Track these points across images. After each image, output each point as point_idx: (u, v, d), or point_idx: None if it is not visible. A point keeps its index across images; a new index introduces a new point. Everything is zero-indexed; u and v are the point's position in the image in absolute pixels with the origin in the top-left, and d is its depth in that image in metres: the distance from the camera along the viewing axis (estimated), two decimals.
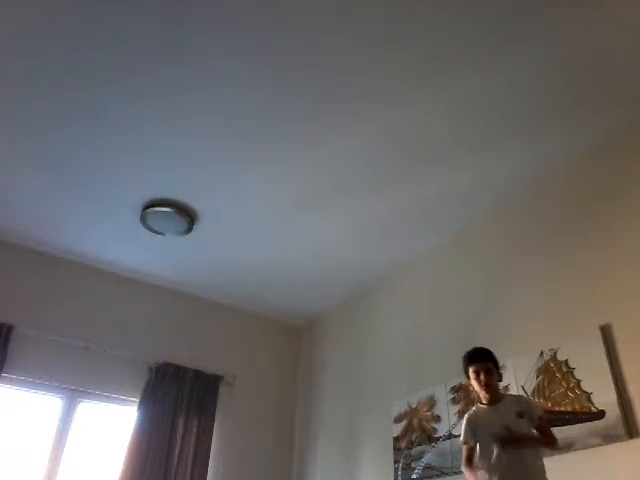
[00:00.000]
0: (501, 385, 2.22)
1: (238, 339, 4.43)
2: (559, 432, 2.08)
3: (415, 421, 3.26)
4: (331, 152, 2.94)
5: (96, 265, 3.96)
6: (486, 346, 2.19)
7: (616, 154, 2.74)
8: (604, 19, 2.23)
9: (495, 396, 2.06)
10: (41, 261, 3.78)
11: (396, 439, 3.34)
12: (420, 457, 3.13)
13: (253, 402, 4.26)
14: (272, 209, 3.38)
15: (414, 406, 3.31)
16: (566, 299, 2.69)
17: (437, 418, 3.12)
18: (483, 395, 2.08)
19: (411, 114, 2.69)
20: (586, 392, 2.42)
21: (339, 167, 3.04)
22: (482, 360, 2.09)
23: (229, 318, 4.47)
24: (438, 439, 3.07)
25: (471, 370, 2.09)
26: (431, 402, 3.20)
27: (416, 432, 3.23)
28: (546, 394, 2.57)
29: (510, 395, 2.19)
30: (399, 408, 3.40)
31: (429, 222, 3.45)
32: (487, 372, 2.06)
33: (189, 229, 3.51)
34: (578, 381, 2.47)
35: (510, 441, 1.93)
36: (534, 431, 2.00)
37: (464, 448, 2.11)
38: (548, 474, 1.96)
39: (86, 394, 3.68)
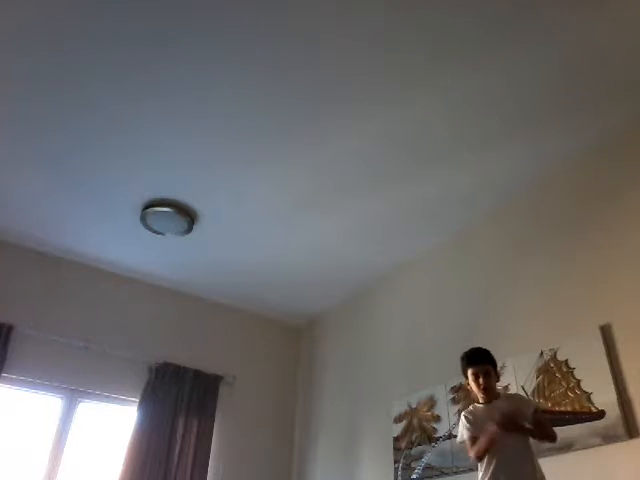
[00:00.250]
0: (501, 385, 2.23)
1: (238, 339, 4.43)
2: (559, 432, 2.07)
3: (415, 421, 3.26)
4: (331, 152, 2.94)
5: (96, 265, 3.97)
6: (486, 346, 2.19)
7: (616, 154, 2.74)
8: (604, 19, 2.23)
9: (491, 396, 2.07)
10: (41, 261, 3.78)
11: (396, 439, 3.34)
12: (420, 457, 3.13)
13: (253, 402, 4.26)
14: (272, 209, 3.38)
15: (414, 406, 3.31)
16: (566, 299, 2.69)
17: (437, 418, 3.12)
18: (480, 397, 2.09)
19: (411, 114, 2.69)
20: (586, 392, 2.42)
21: (339, 167, 3.04)
22: (481, 363, 2.09)
23: (229, 318, 4.47)
24: (438, 439, 3.07)
25: (470, 372, 2.09)
26: (431, 402, 3.20)
27: (416, 432, 3.23)
28: (546, 394, 2.57)
29: (505, 394, 2.19)
30: (399, 408, 3.40)
31: (429, 222, 3.45)
32: (486, 375, 2.06)
33: (189, 229, 3.51)
34: (578, 381, 2.47)
35: (510, 424, 1.93)
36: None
37: (467, 444, 2.09)
38: (548, 474, 1.96)
39: (86, 394, 3.68)
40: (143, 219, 3.42)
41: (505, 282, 3.07)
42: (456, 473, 2.89)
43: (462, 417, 2.12)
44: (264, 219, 3.48)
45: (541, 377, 2.63)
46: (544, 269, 2.87)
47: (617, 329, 2.43)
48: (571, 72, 2.45)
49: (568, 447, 2.31)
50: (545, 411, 2.13)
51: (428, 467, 3.06)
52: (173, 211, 3.34)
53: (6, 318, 3.44)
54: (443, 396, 3.13)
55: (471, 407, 2.14)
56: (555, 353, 2.61)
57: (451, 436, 2.99)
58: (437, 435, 3.09)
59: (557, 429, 2.05)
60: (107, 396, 3.75)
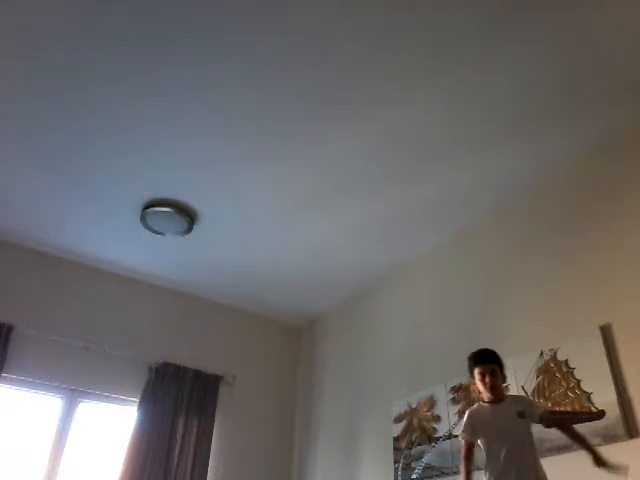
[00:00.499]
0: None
1: (238, 339, 4.43)
2: (559, 432, 2.08)
3: (415, 421, 3.26)
4: (331, 152, 2.94)
5: (96, 265, 3.97)
6: (486, 346, 2.19)
7: (616, 154, 2.74)
8: (604, 19, 2.23)
9: (498, 396, 2.07)
10: (41, 261, 3.78)
11: (396, 439, 3.35)
12: (420, 457, 3.13)
13: (253, 402, 4.26)
14: (272, 209, 3.38)
15: (414, 406, 3.31)
16: (566, 299, 2.69)
17: (437, 418, 3.13)
18: (487, 396, 2.09)
19: (411, 114, 2.69)
20: (586, 392, 2.42)
21: (339, 167, 3.04)
22: (488, 362, 2.10)
23: (229, 318, 4.47)
24: (438, 439, 3.07)
25: (476, 371, 2.10)
26: (431, 402, 3.20)
27: (416, 432, 3.23)
28: (546, 394, 2.57)
29: (512, 395, 2.19)
30: (399, 408, 3.40)
31: (429, 222, 3.46)
32: (492, 374, 2.07)
33: (189, 229, 3.51)
34: (578, 381, 2.47)
35: (554, 421, 1.96)
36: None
37: (463, 442, 2.11)
38: (548, 474, 1.96)
39: (86, 394, 3.68)
40: (143, 219, 3.42)
41: (505, 282, 3.07)
42: (456, 473, 2.88)
43: (466, 415, 2.13)
44: (264, 219, 3.48)
45: (541, 377, 2.63)
46: (544, 269, 2.87)
47: (617, 329, 2.43)
48: (571, 72, 2.45)
49: (568, 447, 2.30)
50: (545, 411, 2.13)
51: (428, 467, 3.06)
52: (173, 211, 3.34)
53: (6, 318, 3.44)
54: (443, 396, 3.13)
55: (476, 406, 2.14)
56: (555, 353, 2.61)
57: (451, 436, 2.99)
58: (437, 435, 3.09)
59: (557, 430, 2.04)
60: (107, 396, 3.75)
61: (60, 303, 3.75)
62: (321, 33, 2.29)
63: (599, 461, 1.93)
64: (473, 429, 2.07)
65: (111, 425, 3.77)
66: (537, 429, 2.08)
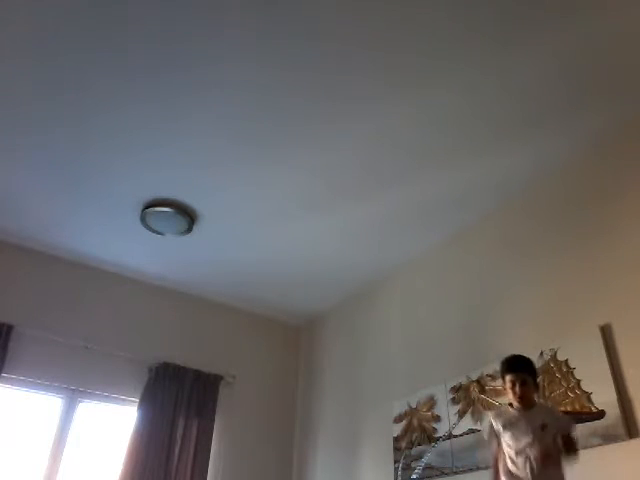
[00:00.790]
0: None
1: (238, 339, 4.43)
2: None
3: (415, 421, 3.26)
4: (331, 153, 2.94)
5: (96, 265, 3.97)
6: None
7: (615, 154, 2.74)
8: (604, 19, 2.23)
9: (527, 405, 2.04)
10: (41, 261, 3.78)
11: (396, 439, 3.35)
12: (420, 457, 3.13)
13: (253, 402, 4.26)
14: (272, 209, 3.38)
15: (414, 406, 3.31)
16: (566, 299, 2.69)
17: (437, 418, 3.12)
18: (515, 404, 2.06)
19: (410, 115, 2.69)
20: (586, 392, 2.42)
21: (339, 168, 3.04)
22: (519, 371, 2.06)
23: (229, 318, 4.47)
24: (438, 439, 3.07)
25: (507, 379, 2.07)
26: (431, 402, 3.20)
27: (416, 432, 3.23)
28: (546, 394, 2.57)
29: (541, 405, 2.13)
30: (399, 408, 3.40)
31: (428, 223, 3.45)
32: (523, 384, 2.03)
33: (189, 229, 3.51)
34: (578, 381, 2.47)
35: (573, 447, 1.94)
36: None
37: (492, 446, 2.09)
38: None
39: (86, 394, 3.68)
40: (143, 219, 3.42)
41: (505, 282, 3.07)
42: (456, 473, 2.89)
43: (489, 418, 2.11)
44: (264, 219, 3.48)
45: (541, 377, 2.62)
46: (543, 269, 2.87)
47: (617, 329, 2.42)
48: (570, 72, 2.45)
49: None
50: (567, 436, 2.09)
51: (428, 467, 3.06)
52: (173, 211, 3.34)
53: (6, 318, 3.44)
54: (443, 396, 3.13)
55: (503, 408, 2.13)
56: (555, 353, 2.61)
57: (451, 436, 2.99)
58: (437, 435, 3.09)
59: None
60: (107, 396, 3.75)
61: (60, 303, 3.75)
62: (321, 34, 2.29)
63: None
64: (494, 433, 2.06)
65: (111, 425, 3.78)
66: None
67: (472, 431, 2.87)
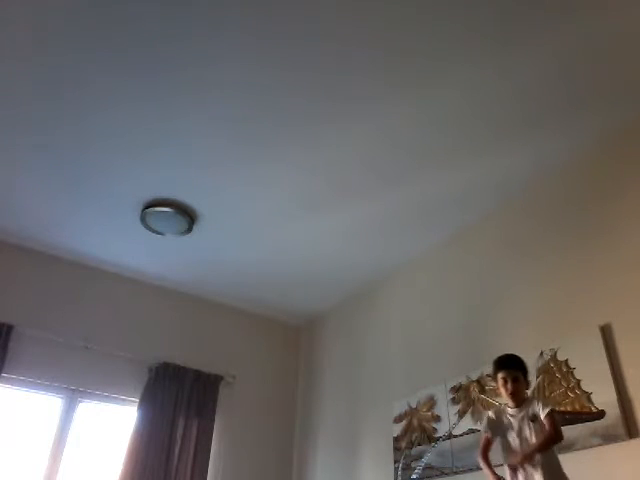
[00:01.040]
0: None
1: (238, 339, 4.43)
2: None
3: (415, 421, 3.26)
4: (331, 153, 2.94)
5: (96, 265, 3.97)
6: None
7: (615, 154, 2.74)
8: (604, 19, 2.23)
9: (519, 401, 2.08)
10: (41, 261, 3.78)
11: (396, 439, 3.35)
12: (420, 457, 3.13)
13: (253, 402, 4.26)
14: (272, 209, 3.38)
15: (414, 406, 3.31)
16: (566, 299, 2.69)
17: (437, 418, 3.12)
18: (507, 401, 2.10)
19: (410, 115, 2.69)
20: (586, 392, 2.42)
21: (339, 168, 3.04)
22: (511, 368, 2.11)
23: (229, 318, 4.47)
24: (438, 439, 3.07)
25: (499, 376, 2.12)
26: (431, 402, 3.20)
27: (416, 432, 3.23)
28: (546, 394, 2.57)
29: (531, 398, 2.15)
30: (399, 408, 3.40)
31: (429, 222, 3.45)
32: (514, 380, 2.08)
33: (189, 229, 3.51)
34: (578, 381, 2.47)
35: (523, 459, 1.95)
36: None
37: (483, 437, 2.13)
38: None
39: (86, 394, 3.68)
40: (143, 219, 3.42)
41: (505, 282, 3.07)
42: (456, 473, 2.89)
43: (489, 413, 2.15)
44: (264, 219, 3.48)
45: (541, 377, 2.62)
46: (544, 269, 2.87)
47: (617, 329, 2.42)
48: (571, 72, 2.45)
49: (568, 447, 2.31)
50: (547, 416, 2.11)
51: (428, 467, 3.06)
52: (173, 211, 3.34)
53: (6, 318, 3.44)
54: (443, 396, 3.13)
55: (498, 408, 2.16)
56: (555, 353, 2.61)
57: (451, 436, 2.99)
58: (437, 435, 3.09)
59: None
60: (107, 396, 3.75)
61: (60, 303, 3.75)
62: (321, 34, 2.29)
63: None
64: (492, 427, 2.10)
65: (111, 425, 3.78)
66: None
67: (472, 431, 2.87)
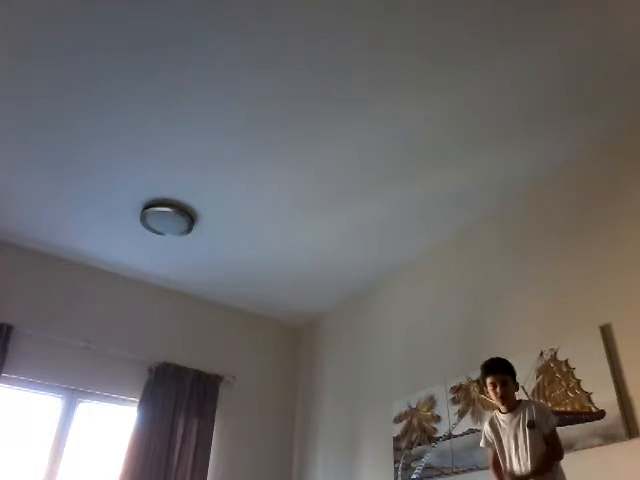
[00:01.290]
0: None
1: (238, 339, 4.43)
2: (560, 432, 2.07)
3: (415, 421, 3.26)
4: (331, 152, 2.94)
5: (96, 265, 3.97)
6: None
7: (616, 154, 2.74)
8: (604, 19, 2.23)
9: (510, 405, 2.06)
10: (41, 261, 3.78)
11: (396, 439, 3.35)
12: (420, 457, 3.13)
13: (253, 402, 4.26)
14: (272, 209, 3.38)
15: (414, 406, 3.31)
16: (566, 299, 2.69)
17: (437, 418, 3.12)
18: (499, 405, 2.09)
19: (411, 115, 2.69)
20: (586, 392, 2.42)
21: (339, 167, 3.04)
22: (498, 372, 2.10)
23: (229, 318, 4.47)
24: (438, 439, 3.07)
25: (488, 381, 2.10)
26: (431, 402, 3.20)
27: (416, 432, 3.23)
28: (546, 394, 2.57)
29: (525, 402, 2.13)
30: (399, 408, 3.40)
31: (429, 222, 3.46)
32: (503, 384, 2.07)
33: (189, 229, 3.51)
34: (578, 381, 2.47)
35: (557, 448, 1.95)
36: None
37: (488, 451, 2.13)
38: None
39: (86, 394, 3.68)
40: (143, 219, 3.42)
41: (505, 282, 3.07)
42: (456, 473, 2.89)
43: (485, 426, 2.14)
44: (264, 219, 3.48)
45: (541, 377, 2.63)
46: (544, 269, 2.87)
47: (617, 329, 2.43)
48: (571, 72, 2.46)
49: (568, 447, 2.30)
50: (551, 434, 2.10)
51: (428, 467, 3.07)
52: (173, 211, 3.34)
53: (6, 318, 3.44)
54: (443, 396, 3.13)
55: (494, 414, 2.14)
56: (555, 353, 2.61)
57: (451, 436, 3.00)
58: (437, 435, 3.09)
59: (558, 429, 2.04)
60: (107, 396, 3.75)
61: (60, 303, 3.75)
62: (321, 33, 2.29)
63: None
64: (490, 440, 2.09)
65: (111, 425, 3.77)
66: None
67: (472, 431, 2.87)
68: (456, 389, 3.07)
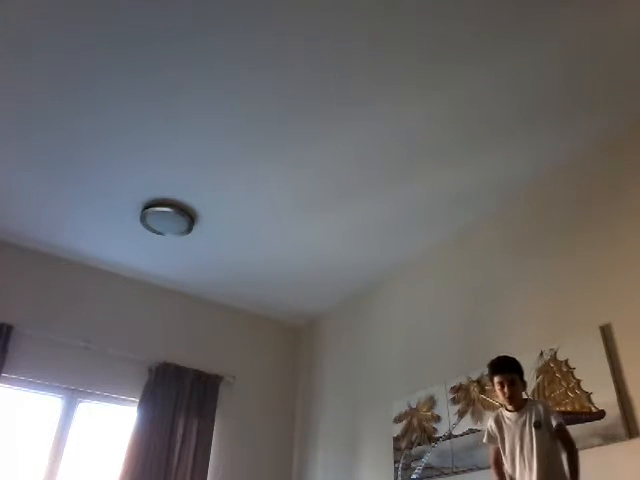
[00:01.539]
0: None
1: (238, 339, 4.43)
2: None
3: (415, 421, 3.26)
4: (331, 152, 2.94)
5: (96, 265, 3.97)
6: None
7: (616, 154, 2.74)
8: (604, 19, 2.23)
9: (517, 405, 2.05)
10: (41, 261, 3.78)
11: (396, 439, 3.34)
12: (420, 457, 3.13)
13: (253, 402, 4.26)
14: (272, 209, 3.38)
15: (414, 406, 3.30)
16: (566, 299, 2.69)
17: (437, 418, 3.12)
18: (506, 405, 2.08)
19: (411, 114, 2.69)
20: (586, 392, 2.42)
21: (339, 167, 3.04)
22: (506, 372, 2.07)
23: (229, 318, 4.47)
24: (438, 439, 3.07)
25: (495, 381, 2.08)
26: (431, 402, 3.20)
27: (416, 432, 3.23)
28: (546, 394, 2.57)
29: (531, 401, 2.12)
30: (399, 408, 3.40)
31: (429, 222, 3.45)
32: (511, 384, 2.05)
33: (189, 229, 3.51)
34: (578, 381, 2.47)
35: (565, 439, 1.95)
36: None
37: (490, 448, 2.13)
38: None
39: (86, 394, 3.68)
40: (143, 219, 3.42)
41: (505, 282, 3.06)
42: (456, 473, 2.89)
43: (489, 422, 2.13)
44: (264, 219, 3.48)
45: (541, 377, 2.62)
46: (544, 269, 2.87)
47: (617, 329, 2.42)
48: (572, 72, 2.45)
49: None
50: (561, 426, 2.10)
51: (428, 467, 3.06)
52: (173, 211, 3.34)
53: (6, 318, 3.44)
54: (443, 396, 3.13)
55: (498, 412, 2.13)
56: (555, 353, 2.61)
57: (451, 436, 2.99)
58: (437, 435, 3.08)
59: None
60: (107, 396, 3.75)
61: (60, 303, 3.75)
62: (321, 32, 2.29)
63: None
64: (494, 437, 2.08)
65: (111, 425, 3.77)
66: None
67: (472, 431, 2.86)
68: (456, 389, 3.06)
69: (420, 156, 2.95)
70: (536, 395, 2.60)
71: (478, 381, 2.94)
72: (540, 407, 2.03)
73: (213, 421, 3.92)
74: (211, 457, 3.83)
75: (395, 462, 3.28)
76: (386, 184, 3.15)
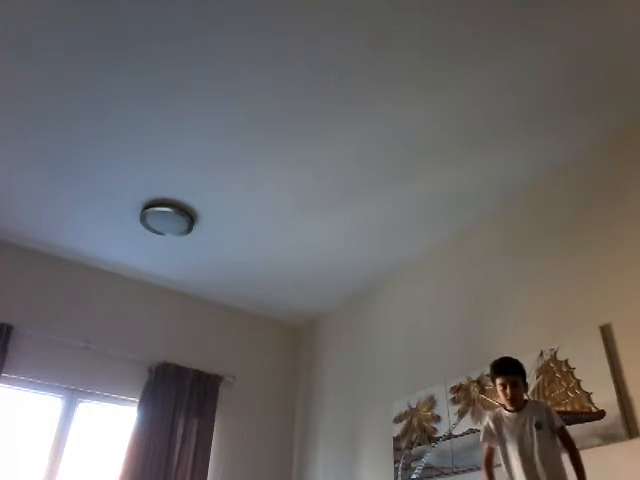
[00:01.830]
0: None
1: (238, 339, 4.43)
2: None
3: (415, 421, 3.26)
4: (331, 152, 2.94)
5: (96, 265, 3.97)
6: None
7: (616, 154, 2.74)
8: (604, 19, 2.22)
9: (518, 406, 2.04)
10: (41, 261, 3.78)
11: (396, 439, 3.34)
12: (420, 457, 3.13)
13: (253, 402, 4.26)
14: (272, 209, 3.38)
15: (414, 406, 3.30)
16: (566, 299, 2.69)
17: (437, 418, 3.12)
18: (507, 406, 2.06)
19: (411, 114, 2.69)
20: (586, 392, 2.42)
21: (339, 167, 3.04)
22: (509, 373, 2.06)
23: (229, 318, 4.47)
24: (438, 439, 3.07)
25: (497, 382, 2.07)
26: (431, 402, 3.20)
27: (416, 432, 3.23)
28: (546, 394, 2.57)
29: (531, 402, 2.12)
30: (399, 408, 3.40)
31: (429, 222, 3.45)
32: (513, 385, 2.04)
33: (189, 229, 3.51)
34: (578, 381, 2.47)
35: (567, 442, 1.97)
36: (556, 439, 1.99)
37: (484, 447, 2.13)
38: None
39: (86, 394, 3.68)
40: (143, 219, 3.42)
41: (505, 282, 3.06)
42: (456, 473, 2.89)
43: (487, 420, 2.12)
44: (264, 219, 3.48)
45: (541, 377, 2.62)
46: (544, 269, 2.87)
47: (617, 329, 2.42)
48: (572, 72, 2.45)
49: None
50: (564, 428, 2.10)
51: (428, 467, 3.06)
52: (173, 211, 3.34)
53: (6, 318, 3.44)
54: (443, 396, 3.13)
55: (498, 411, 2.12)
56: (555, 353, 2.61)
57: (451, 436, 2.99)
58: (437, 435, 3.09)
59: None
60: (107, 396, 3.75)
61: (60, 303, 3.75)
62: (321, 31, 2.29)
63: None
64: (492, 436, 2.07)
65: (111, 425, 3.78)
66: None
67: (472, 431, 2.86)
68: (456, 389, 3.07)
69: (420, 156, 2.95)
70: (536, 395, 2.60)
71: (478, 381, 2.94)
72: (542, 408, 2.03)
73: (213, 421, 3.92)
74: (211, 457, 3.83)
75: (395, 462, 3.28)
76: (386, 184, 3.15)
